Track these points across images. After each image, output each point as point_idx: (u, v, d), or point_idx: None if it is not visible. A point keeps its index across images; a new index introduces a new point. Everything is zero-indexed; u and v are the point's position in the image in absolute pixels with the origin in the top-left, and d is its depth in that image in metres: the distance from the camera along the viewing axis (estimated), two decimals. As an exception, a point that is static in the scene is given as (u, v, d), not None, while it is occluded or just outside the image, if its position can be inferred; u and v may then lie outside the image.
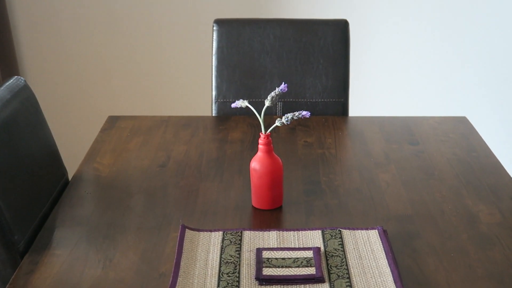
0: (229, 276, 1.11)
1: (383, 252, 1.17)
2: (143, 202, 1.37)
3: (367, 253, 1.17)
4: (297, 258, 1.15)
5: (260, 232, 1.23)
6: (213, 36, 1.87)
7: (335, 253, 1.17)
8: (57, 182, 1.44)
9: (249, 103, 1.31)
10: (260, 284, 1.09)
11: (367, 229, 1.24)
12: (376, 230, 1.24)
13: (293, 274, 1.11)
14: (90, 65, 2.64)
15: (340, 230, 1.23)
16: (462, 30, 2.56)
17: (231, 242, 1.20)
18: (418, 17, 2.56)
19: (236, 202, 1.36)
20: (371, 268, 1.13)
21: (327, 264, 1.14)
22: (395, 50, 2.61)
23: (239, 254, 1.17)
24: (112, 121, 1.79)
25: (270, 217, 1.31)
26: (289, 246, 1.20)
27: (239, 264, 1.14)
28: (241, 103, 1.30)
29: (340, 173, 1.50)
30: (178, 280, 1.10)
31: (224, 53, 1.87)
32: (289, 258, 1.15)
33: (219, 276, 1.11)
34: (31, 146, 1.36)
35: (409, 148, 1.63)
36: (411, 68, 2.63)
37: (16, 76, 1.42)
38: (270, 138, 1.30)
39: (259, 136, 1.31)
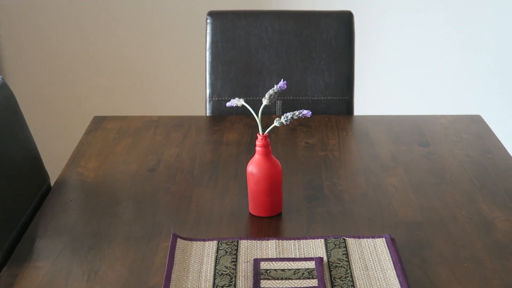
0: (224, 289, 1.11)
1: (391, 262, 1.17)
2: (131, 209, 1.37)
3: (373, 263, 1.18)
4: (298, 269, 1.15)
5: (258, 242, 1.23)
6: (206, 29, 1.88)
7: (339, 263, 1.17)
8: (38, 188, 1.44)
9: (246, 101, 1.31)
10: (258, 297, 1.10)
11: (373, 237, 1.24)
12: (383, 239, 1.24)
13: (293, 286, 1.11)
14: (73, 61, 2.64)
15: (344, 239, 1.23)
16: (475, 22, 2.57)
17: (226, 252, 1.20)
18: (428, 8, 2.56)
19: (232, 209, 1.37)
20: (378, 280, 1.13)
21: (331, 276, 1.14)
22: (403, 44, 2.62)
23: (235, 265, 1.17)
24: (98, 122, 1.79)
25: (269, 225, 1.31)
26: (289, 256, 1.20)
27: (235, 276, 1.14)
28: (237, 101, 1.30)
29: (344, 177, 1.50)
30: (169, 294, 1.10)
31: (218, 48, 1.87)
32: (289, 270, 1.15)
33: (213, 289, 1.11)
34: (9, 149, 1.37)
35: (419, 149, 1.63)
36: (420, 63, 2.64)
37: (-7, 74, 1.43)
38: (268, 139, 1.31)
39: (257, 137, 1.31)
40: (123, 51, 2.65)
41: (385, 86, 2.68)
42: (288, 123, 1.27)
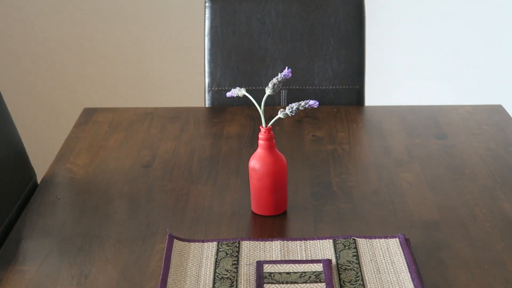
0: (224, 294, 1.11)
1: (405, 264, 1.17)
2: (124, 208, 1.38)
3: (386, 265, 1.17)
4: (304, 272, 1.15)
5: (261, 242, 1.23)
6: (205, 13, 1.88)
7: (349, 266, 1.17)
8: (24, 186, 1.44)
9: (248, 91, 1.31)
10: (261, 303, 1.10)
11: (386, 237, 1.24)
12: (397, 239, 1.24)
13: (299, 291, 1.11)
14: (61, 50, 2.64)
15: (354, 239, 1.23)
16: (497, 5, 2.55)
17: (227, 254, 1.20)
18: (445, -11, 2.56)
19: (233, 208, 1.37)
20: (391, 284, 1.13)
21: (340, 279, 1.14)
22: (418, 28, 2.61)
23: (237, 268, 1.17)
24: (88, 114, 1.79)
25: (273, 224, 1.31)
26: (295, 259, 1.20)
27: (237, 280, 1.14)
28: (238, 91, 1.30)
29: (355, 173, 1.50)
30: (165, 299, 1.10)
31: (218, 33, 1.87)
32: (295, 273, 1.15)
33: (213, 294, 1.12)
34: (-8, 144, 1.36)
35: (435, 142, 1.63)
36: (437, 49, 2.63)
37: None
38: (272, 132, 1.31)
39: (259, 130, 1.30)
40: (115, 37, 2.65)
41: (399, 74, 2.67)
42: (293, 114, 1.27)
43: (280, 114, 1.28)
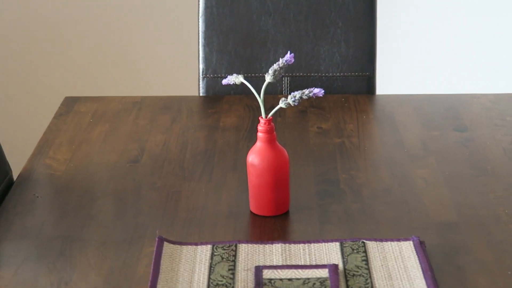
0: (220, 303, 1.12)
1: (420, 270, 1.17)
2: (109, 208, 1.38)
3: (399, 271, 1.18)
4: (308, 278, 1.15)
5: (260, 246, 1.24)
6: (199, -8, 1.88)
7: (358, 271, 1.17)
8: (-2, 183, 1.44)
9: (246, 78, 1.31)
10: (261, 312, 1.10)
11: (399, 240, 1.24)
12: (411, 242, 1.24)
13: (303, 299, 1.11)
14: (39, 32, 2.63)
15: (364, 242, 1.24)
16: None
17: (222, 258, 1.20)
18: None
19: (230, 207, 1.37)
20: (404, 291, 1.13)
21: (347, 286, 1.14)
22: (435, 9, 2.60)
23: (233, 274, 1.17)
24: (70, 104, 1.79)
25: (273, 225, 1.31)
26: (297, 263, 1.20)
27: (233, 287, 1.13)
28: (236, 79, 1.30)
29: (364, 169, 1.50)
30: (155, 309, 1.11)
31: (213, 14, 1.87)
32: (298, 279, 1.15)
33: (207, 302, 1.12)
34: (-37, 136, 1.37)
35: (454, 135, 1.63)
36: (456, 31, 2.63)
37: None
38: (272, 123, 1.31)
39: (259, 121, 1.31)
40: (99, 19, 2.64)
41: (414, 60, 2.67)
42: (296, 104, 1.27)
43: (281, 104, 1.28)
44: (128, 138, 1.64)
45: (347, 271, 1.17)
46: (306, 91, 1.26)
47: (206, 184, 1.45)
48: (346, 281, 1.15)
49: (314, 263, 1.20)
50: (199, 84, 1.90)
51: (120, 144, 1.62)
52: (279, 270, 1.17)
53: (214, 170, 1.50)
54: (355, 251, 1.22)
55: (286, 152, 1.33)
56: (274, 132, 1.32)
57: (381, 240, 1.25)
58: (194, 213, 1.36)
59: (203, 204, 1.38)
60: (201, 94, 1.90)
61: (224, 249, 1.23)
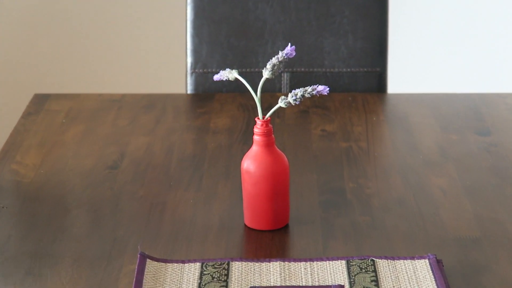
0: (210, 329, 1.11)
1: (437, 292, 1.18)
2: (84, 220, 1.38)
3: (413, 293, 1.18)
4: (311, 301, 1.15)
5: (256, 264, 1.24)
6: (187, -25, 1.88)
7: (367, 293, 1.18)
8: (-42, 192, 1.44)
9: (241, 74, 1.31)
10: None
11: (413, 258, 1.25)
12: (426, 260, 1.24)
13: (304, 325, 1.11)
14: (4, 21, 2.62)
15: (373, 260, 1.24)
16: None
17: (213, 278, 1.20)
18: None
19: (221, 220, 1.38)
20: (419, 316, 1.14)
21: (355, 310, 1.14)
22: (455, -4, 2.61)
23: (225, 296, 1.18)
24: (40, 102, 1.80)
25: (271, 241, 1.31)
26: (298, 284, 1.19)
27: (225, 311, 1.14)
28: (229, 74, 1.30)
29: (374, 177, 1.51)
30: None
31: (204, 1, 1.87)
32: (299, 302, 1.15)
33: (195, 328, 1.11)
34: None
35: (476, 139, 1.63)
36: (478, 21, 2.62)
37: None
38: (270, 125, 1.31)
39: (255, 122, 1.31)
40: (72, 5, 2.64)
41: (430, 54, 2.67)
42: (297, 103, 1.27)
43: (281, 103, 1.28)
44: (106, 141, 1.64)
45: (354, 293, 1.17)
46: (309, 89, 1.27)
47: (194, 194, 1.45)
48: (353, 304, 1.16)
49: (317, 283, 1.19)
50: (186, 80, 1.90)
51: (97, 147, 1.62)
52: (277, 292, 1.17)
53: (204, 177, 1.51)
54: (363, 270, 1.22)
55: (285, 158, 1.33)
56: (272, 135, 1.32)
57: (393, 258, 1.25)
58: (181, 227, 1.35)
59: (191, 217, 1.38)
60: (189, 92, 1.90)
61: (215, 268, 1.23)
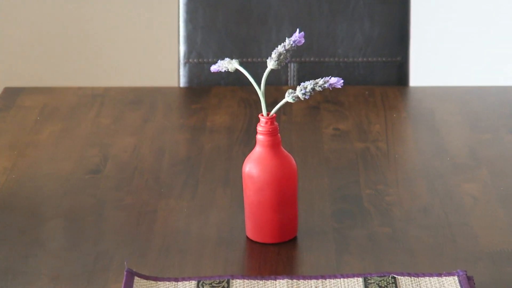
0: None
1: (468, 313, 1.18)
2: (62, 232, 1.38)
3: (440, 316, 1.18)
4: (323, 325, 1.15)
5: (260, 282, 1.23)
6: (179, -48, 1.89)
7: (387, 316, 1.18)
8: None
9: (242, 64, 1.31)
10: None
11: (440, 275, 1.24)
12: (455, 277, 1.24)
13: None
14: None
15: (394, 278, 1.23)
16: None
17: (211, 298, 1.21)
18: None
19: (219, 232, 1.37)
20: None
21: (373, 335, 1.14)
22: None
23: (225, 318, 1.17)
24: (10, 96, 1.80)
25: (277, 256, 1.31)
26: (308, 305, 1.19)
27: (225, 336, 1.14)
28: (228, 64, 1.30)
29: (395, 182, 1.51)
30: None
31: (198, -20, 1.88)
32: (309, 325, 1.15)
33: None
34: None
35: (511, 139, 1.63)
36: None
37: None
38: (276, 123, 1.31)
39: (258, 120, 1.31)
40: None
41: (458, 41, 2.67)
42: (307, 97, 1.27)
43: (288, 98, 1.28)
44: (87, 142, 1.64)
45: (373, 315, 1.17)
46: (320, 81, 1.27)
47: (189, 202, 1.45)
48: (372, 328, 1.16)
49: (330, 304, 1.20)
50: (179, 72, 1.91)
51: (77, 149, 1.62)
52: (284, 314, 1.17)
53: (200, 183, 1.51)
54: (383, 289, 1.23)
55: (293, 161, 1.33)
56: (278, 134, 1.31)
57: (417, 275, 1.24)
58: (174, 239, 1.35)
59: (185, 228, 1.38)
60: (181, 85, 1.91)
61: (213, 286, 1.22)
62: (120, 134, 1.67)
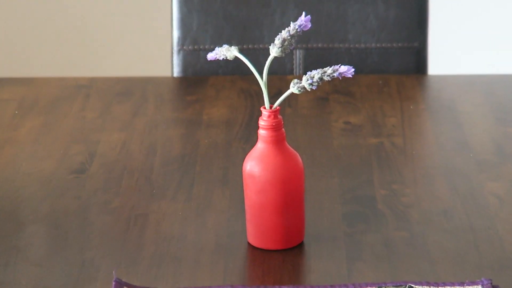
0: None
1: (493, 327, 1.17)
2: (43, 238, 1.38)
3: (462, 329, 1.18)
4: None
5: (263, 293, 1.24)
6: None
7: (403, 329, 1.17)
8: None
9: (242, 51, 1.31)
10: None
11: (462, 284, 1.24)
12: (479, 286, 1.24)
13: None
14: None
15: (412, 287, 1.24)
16: None
17: (208, 311, 1.21)
18: None
19: (218, 237, 1.38)
20: None
21: None
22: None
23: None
24: (-15, 88, 1.80)
25: (282, 264, 1.31)
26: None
27: None
28: (226, 52, 1.30)
29: (413, 182, 1.51)
30: None
31: (193, -42, 1.88)
32: None
33: None
34: None
35: (542, 133, 1.64)
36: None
37: None
38: (280, 116, 1.31)
39: (260, 113, 1.31)
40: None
41: (482, 24, 2.66)
42: (314, 88, 1.27)
43: (293, 88, 1.28)
44: (70, 138, 1.65)
45: (388, 329, 1.17)
46: (329, 70, 1.27)
47: (183, 204, 1.46)
48: None
49: (340, 317, 1.20)
50: (172, 60, 1.91)
51: (59, 146, 1.62)
52: (290, 328, 1.17)
53: (196, 184, 1.51)
54: (399, 300, 1.22)
55: (299, 158, 1.33)
56: (283, 129, 1.32)
57: (437, 285, 1.24)
58: (167, 246, 1.35)
59: (179, 233, 1.38)
60: (175, 75, 1.91)
61: (211, 298, 1.23)
62: (107, 130, 1.67)
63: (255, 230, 1.34)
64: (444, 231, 1.39)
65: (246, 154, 1.35)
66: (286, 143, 1.33)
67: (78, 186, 1.51)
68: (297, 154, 1.34)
